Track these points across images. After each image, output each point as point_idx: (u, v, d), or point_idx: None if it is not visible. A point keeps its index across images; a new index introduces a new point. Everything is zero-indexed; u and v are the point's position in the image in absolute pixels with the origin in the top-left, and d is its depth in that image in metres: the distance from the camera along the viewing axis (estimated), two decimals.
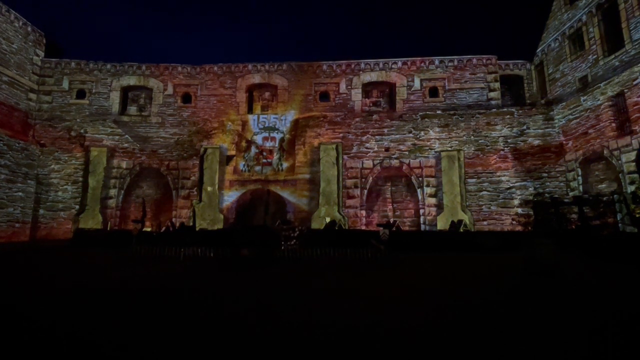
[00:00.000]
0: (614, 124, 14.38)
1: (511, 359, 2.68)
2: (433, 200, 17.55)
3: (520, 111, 18.07)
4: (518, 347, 2.90)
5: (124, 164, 18.71)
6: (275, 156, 18.85)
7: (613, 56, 14.58)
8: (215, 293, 5.25)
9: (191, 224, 16.40)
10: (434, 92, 19.27)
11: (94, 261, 8.97)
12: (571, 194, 15.91)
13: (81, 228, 15.68)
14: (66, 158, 18.53)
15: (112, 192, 18.33)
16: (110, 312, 3.99)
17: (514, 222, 15.56)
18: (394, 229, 14.04)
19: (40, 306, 4.25)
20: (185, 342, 2.99)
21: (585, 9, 16.05)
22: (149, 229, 17.51)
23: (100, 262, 8.75)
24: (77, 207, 17.94)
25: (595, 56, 15.48)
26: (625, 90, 13.70)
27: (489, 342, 3.04)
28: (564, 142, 17.03)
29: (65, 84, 19.38)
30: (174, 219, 17.71)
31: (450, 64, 19.32)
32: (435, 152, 17.96)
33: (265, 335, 3.21)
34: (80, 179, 18.21)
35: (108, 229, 17.17)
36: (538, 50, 19.23)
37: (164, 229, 16.37)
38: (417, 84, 19.30)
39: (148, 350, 2.84)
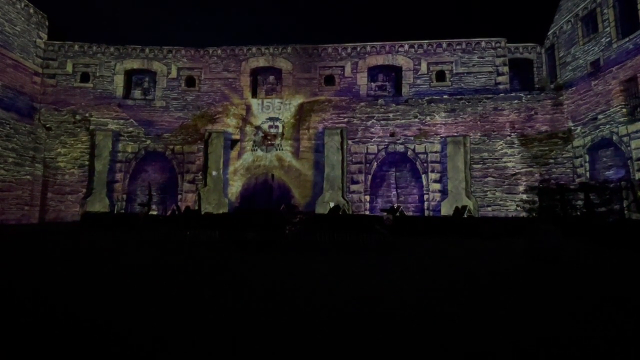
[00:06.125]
0: (624, 110, 14.09)
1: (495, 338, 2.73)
2: (437, 186, 17.51)
3: (528, 96, 17.74)
4: (509, 328, 2.95)
5: (129, 148, 18.81)
6: (278, 141, 18.80)
7: (627, 39, 14.14)
8: (222, 275, 5.35)
9: (196, 208, 16.58)
10: (440, 76, 18.94)
11: (104, 244, 9.15)
12: (577, 180, 15.77)
13: (89, 211, 15.92)
14: (72, 142, 18.65)
15: (118, 175, 18.51)
16: (127, 294, 4.09)
17: (518, 209, 15.51)
18: (397, 214, 14.08)
19: (58, 292, 4.36)
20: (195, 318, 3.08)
21: None
22: (155, 213, 17.76)
23: (109, 245, 8.92)
24: (84, 190, 18.17)
25: (609, 39, 15.03)
26: (639, 75, 13.36)
27: (482, 323, 3.08)
28: (573, 127, 16.76)
29: (69, 67, 19.31)
30: (179, 203, 17.90)
31: (458, 47, 18.90)
32: (441, 137, 17.80)
33: (273, 319, 3.28)
34: (87, 162, 18.37)
35: (115, 212, 17.42)
36: (549, 33, 18.71)
37: (169, 212, 16.57)
38: (423, 67, 18.96)
39: (152, 331, 2.92)
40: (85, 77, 19.42)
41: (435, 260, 7.08)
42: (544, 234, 6.87)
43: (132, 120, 19.04)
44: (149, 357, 2.36)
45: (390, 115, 18.32)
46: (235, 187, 18.73)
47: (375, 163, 18.24)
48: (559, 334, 2.86)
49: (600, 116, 15.15)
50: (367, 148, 18.24)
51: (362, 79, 19.20)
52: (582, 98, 16.12)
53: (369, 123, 18.39)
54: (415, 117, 18.17)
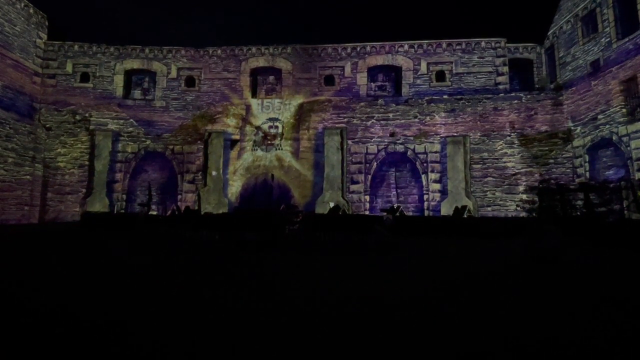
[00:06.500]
0: (624, 110, 14.10)
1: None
2: (437, 186, 17.51)
3: (528, 96, 17.75)
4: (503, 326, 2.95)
5: (129, 148, 18.81)
6: (278, 141, 18.81)
7: (627, 39, 14.15)
8: (222, 275, 5.34)
9: (196, 208, 16.58)
10: (440, 76, 18.94)
11: (103, 244, 9.15)
12: (577, 180, 15.77)
13: (89, 211, 15.92)
14: (72, 142, 18.65)
15: (118, 175, 18.50)
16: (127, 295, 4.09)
17: (518, 209, 15.51)
18: (397, 214, 14.07)
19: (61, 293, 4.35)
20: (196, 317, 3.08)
21: None
22: (154, 213, 17.76)
23: (108, 245, 8.92)
24: (84, 190, 18.16)
25: (609, 39, 15.03)
26: (638, 75, 13.37)
27: (481, 319, 3.09)
28: (573, 127, 16.77)
29: (69, 67, 19.31)
30: (179, 203, 17.90)
31: (458, 47, 18.91)
32: (441, 137, 17.80)
33: (273, 319, 3.27)
34: (87, 162, 18.37)
35: (115, 212, 17.42)
36: (549, 33, 18.72)
37: (169, 212, 16.56)
38: (423, 67, 18.96)
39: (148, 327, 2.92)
40: (85, 77, 19.42)
41: (435, 260, 7.08)
42: (544, 234, 6.87)
43: (132, 120, 19.05)
44: (148, 358, 2.36)
45: (390, 115, 18.32)
46: (235, 187, 18.73)
47: (375, 163, 18.24)
48: (559, 334, 2.86)
49: (600, 116, 15.15)
50: (367, 148, 18.24)
51: (362, 79, 19.20)
52: (582, 98, 16.12)
53: (368, 123, 18.39)
54: (415, 117, 18.18)
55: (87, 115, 18.89)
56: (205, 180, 18.16)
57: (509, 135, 17.52)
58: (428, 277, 5.31)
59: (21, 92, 17.74)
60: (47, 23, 19.42)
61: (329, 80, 19.41)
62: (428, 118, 18.11)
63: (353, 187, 17.96)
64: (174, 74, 19.61)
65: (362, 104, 18.60)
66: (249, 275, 5.26)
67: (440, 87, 18.75)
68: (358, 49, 19.37)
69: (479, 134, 17.69)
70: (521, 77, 20.14)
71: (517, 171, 17.24)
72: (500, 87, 18.38)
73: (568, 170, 16.81)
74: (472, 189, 17.17)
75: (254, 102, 19.33)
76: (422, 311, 3.48)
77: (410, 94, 18.77)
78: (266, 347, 2.54)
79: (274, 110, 19.15)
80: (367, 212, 17.60)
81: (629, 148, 13.59)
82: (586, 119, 15.93)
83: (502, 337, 2.78)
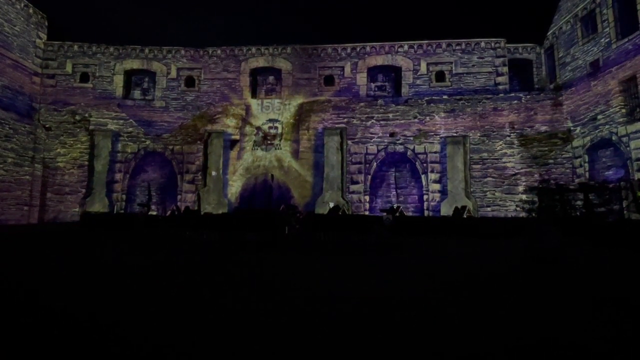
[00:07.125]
0: (624, 110, 14.11)
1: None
2: (437, 186, 17.51)
3: (528, 96, 17.76)
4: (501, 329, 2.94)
5: (128, 148, 18.78)
6: (277, 141, 18.80)
7: (626, 39, 14.15)
8: (222, 275, 5.34)
9: (196, 208, 16.58)
10: (440, 76, 18.93)
11: (103, 244, 9.13)
12: (577, 180, 15.78)
13: (88, 211, 15.90)
14: (71, 142, 18.62)
15: (118, 176, 18.48)
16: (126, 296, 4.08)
17: (518, 209, 15.50)
18: (397, 214, 14.08)
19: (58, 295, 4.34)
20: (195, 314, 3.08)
21: None
22: (154, 213, 17.74)
23: (108, 246, 8.91)
24: (84, 190, 18.14)
25: (608, 39, 15.03)
26: (638, 75, 13.37)
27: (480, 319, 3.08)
28: (572, 128, 16.77)
29: (69, 67, 19.28)
30: (179, 203, 17.88)
31: (457, 47, 18.91)
32: (441, 137, 17.80)
33: (273, 319, 3.27)
34: (86, 162, 18.34)
35: (114, 212, 17.40)
36: (549, 33, 18.72)
37: (169, 213, 16.55)
38: (423, 68, 18.96)
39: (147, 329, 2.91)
40: (84, 77, 19.39)
41: (435, 260, 7.08)
42: (544, 234, 6.87)
43: (131, 120, 19.02)
44: (148, 358, 2.35)
45: (390, 115, 18.32)
46: (234, 188, 18.72)
47: (375, 163, 18.23)
48: (559, 334, 2.86)
49: (599, 116, 15.15)
50: (366, 148, 18.24)
51: (362, 79, 19.19)
52: (582, 98, 16.13)
53: (368, 123, 18.39)
54: (415, 117, 18.17)
55: (86, 115, 18.86)
56: (205, 180, 18.15)
57: (509, 136, 17.52)
58: (428, 277, 5.30)
59: (20, 92, 17.71)
60: (46, 23, 19.39)
61: (329, 81, 19.40)
62: (428, 118, 18.11)
63: (353, 187, 17.96)
64: (173, 74, 19.59)
65: (361, 104, 18.59)
66: (249, 276, 5.26)
67: (440, 87, 18.74)
68: (358, 49, 19.36)
69: (478, 134, 17.69)
70: (521, 77, 20.14)
71: (516, 171, 17.24)
72: (500, 87, 18.38)
73: (568, 170, 16.81)
74: (471, 189, 17.17)
75: (254, 103, 19.31)
76: (422, 311, 3.48)
77: (410, 94, 18.76)
78: (266, 347, 2.54)
79: (273, 111, 19.13)
80: (366, 212, 17.58)
81: (628, 148, 13.60)
82: (586, 119, 15.93)
83: (502, 338, 2.77)
